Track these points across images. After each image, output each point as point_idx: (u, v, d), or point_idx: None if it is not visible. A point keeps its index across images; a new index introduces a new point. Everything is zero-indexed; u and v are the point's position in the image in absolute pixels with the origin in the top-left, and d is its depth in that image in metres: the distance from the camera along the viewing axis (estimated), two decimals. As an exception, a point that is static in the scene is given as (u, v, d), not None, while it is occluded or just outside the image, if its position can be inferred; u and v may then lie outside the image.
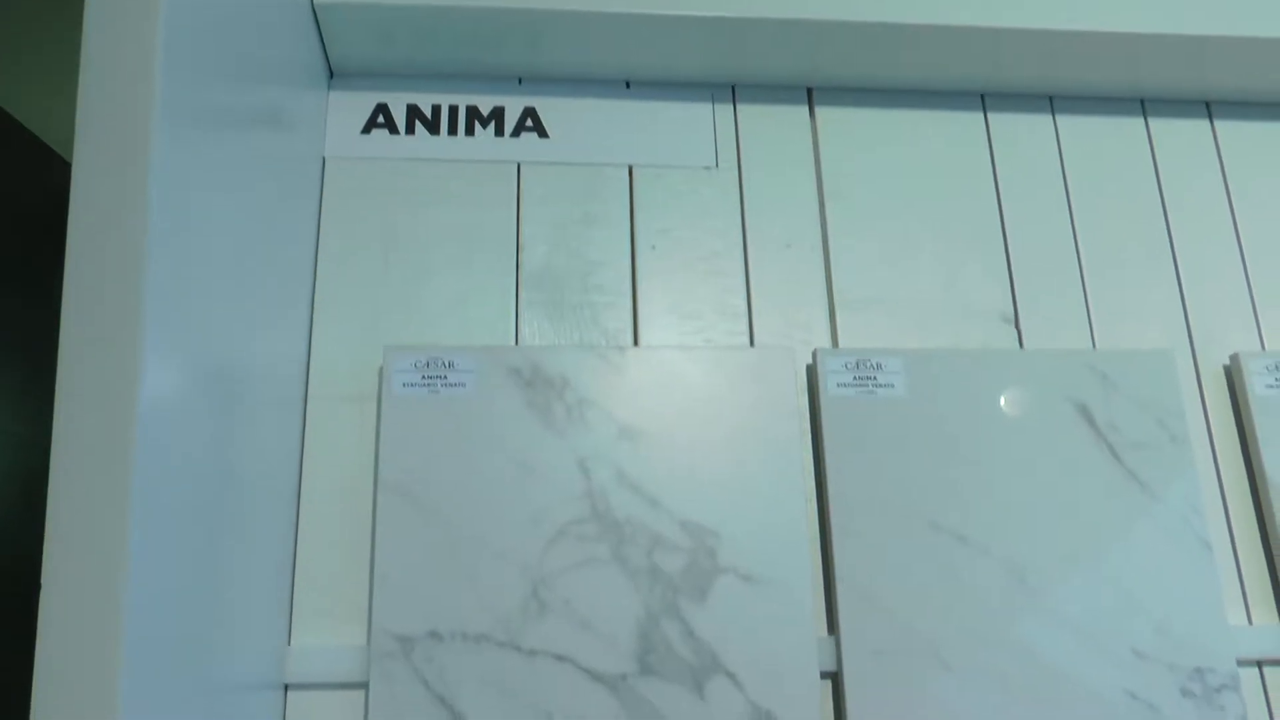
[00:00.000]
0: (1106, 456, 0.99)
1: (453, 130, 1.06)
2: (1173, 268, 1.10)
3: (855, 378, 0.98)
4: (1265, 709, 0.97)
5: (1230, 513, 1.02)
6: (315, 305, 0.98)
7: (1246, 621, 0.99)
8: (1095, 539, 0.97)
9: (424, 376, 0.93)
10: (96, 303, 0.58)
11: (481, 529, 0.90)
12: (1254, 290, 1.10)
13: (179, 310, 0.63)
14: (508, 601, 0.89)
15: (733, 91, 1.11)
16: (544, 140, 1.07)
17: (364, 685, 0.89)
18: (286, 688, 0.89)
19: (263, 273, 0.83)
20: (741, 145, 1.09)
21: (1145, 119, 1.15)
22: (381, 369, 0.95)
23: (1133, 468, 0.99)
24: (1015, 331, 1.05)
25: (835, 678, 0.92)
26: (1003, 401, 0.99)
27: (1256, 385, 1.04)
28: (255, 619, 0.82)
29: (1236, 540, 1.01)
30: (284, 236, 0.90)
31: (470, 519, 0.91)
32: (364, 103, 1.06)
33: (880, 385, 0.98)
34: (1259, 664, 0.98)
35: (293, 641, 0.90)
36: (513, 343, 0.99)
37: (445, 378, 0.93)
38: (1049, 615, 0.94)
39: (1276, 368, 1.04)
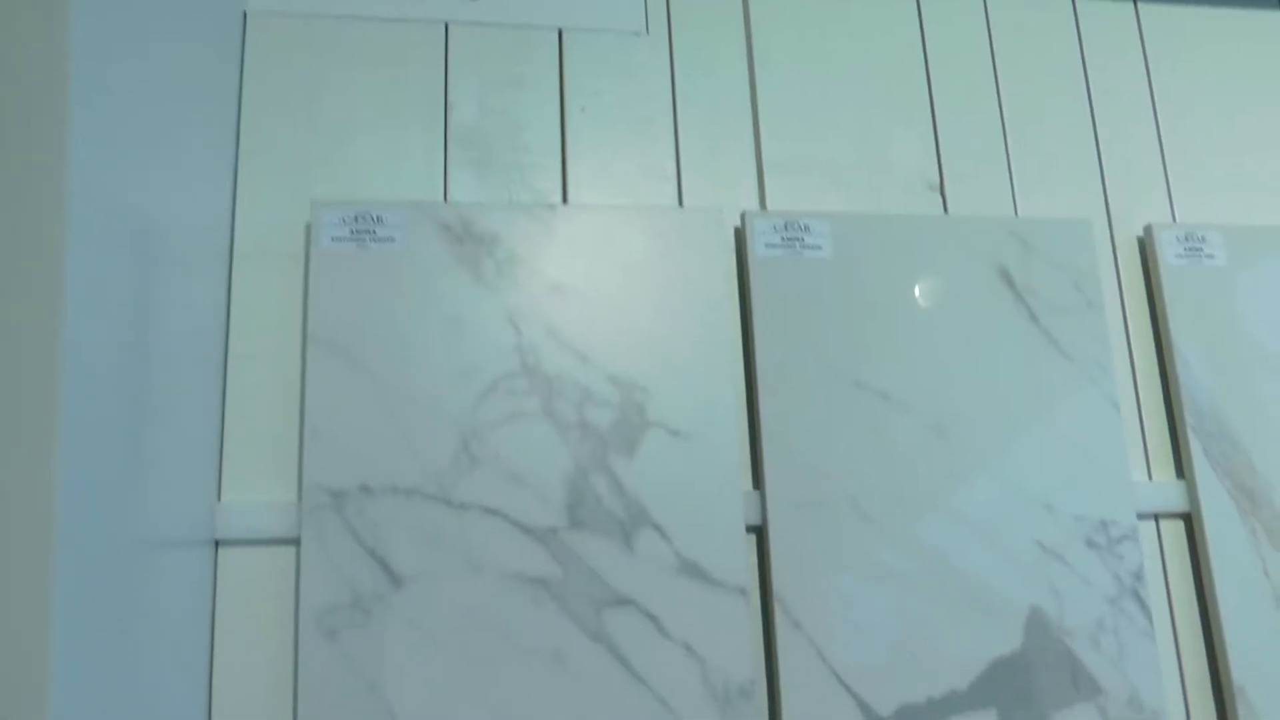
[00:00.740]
0: (1025, 319, 1.02)
1: (378, -15, 1.03)
2: (1093, 142, 1.12)
3: (783, 239, 0.99)
4: (1159, 558, 1.02)
5: (1137, 375, 1.06)
6: (240, 161, 0.96)
7: (1147, 478, 1.04)
8: (1011, 397, 1.00)
9: (352, 231, 0.92)
10: (19, 161, 0.56)
11: (412, 383, 0.90)
12: (1168, 165, 1.13)
13: (101, 169, 0.62)
14: (438, 455, 0.90)
15: (664, -46, 1.10)
16: (472, 1, 1.05)
17: (295, 541, 0.89)
18: (217, 544, 0.89)
19: (185, 129, 0.81)
20: (672, 9, 1.08)
21: (1072, -2, 1.17)
22: (309, 224, 0.94)
23: (1049, 330, 1.02)
24: (940, 198, 1.07)
25: (760, 531, 0.95)
26: (926, 265, 1.01)
27: (1168, 255, 1.07)
28: (185, 476, 0.82)
29: (1142, 402, 1.05)
30: (206, 92, 0.88)
31: (400, 374, 0.90)
32: (285, -47, 1.03)
33: (807, 247, 1.00)
34: (1156, 517, 1.03)
35: (223, 497, 0.90)
36: (442, 200, 0.98)
37: (374, 233, 0.93)
38: (966, 469, 0.97)
39: (1187, 239, 1.08)
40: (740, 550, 0.92)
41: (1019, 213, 1.08)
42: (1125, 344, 1.06)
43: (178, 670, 0.80)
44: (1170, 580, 1.01)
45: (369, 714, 0.85)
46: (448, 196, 0.98)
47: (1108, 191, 1.11)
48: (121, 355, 0.66)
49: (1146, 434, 1.05)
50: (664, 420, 0.93)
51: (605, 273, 0.95)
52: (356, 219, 0.93)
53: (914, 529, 0.96)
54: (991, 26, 1.14)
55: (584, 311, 0.94)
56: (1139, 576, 0.98)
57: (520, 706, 0.87)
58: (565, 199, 1.00)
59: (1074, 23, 1.16)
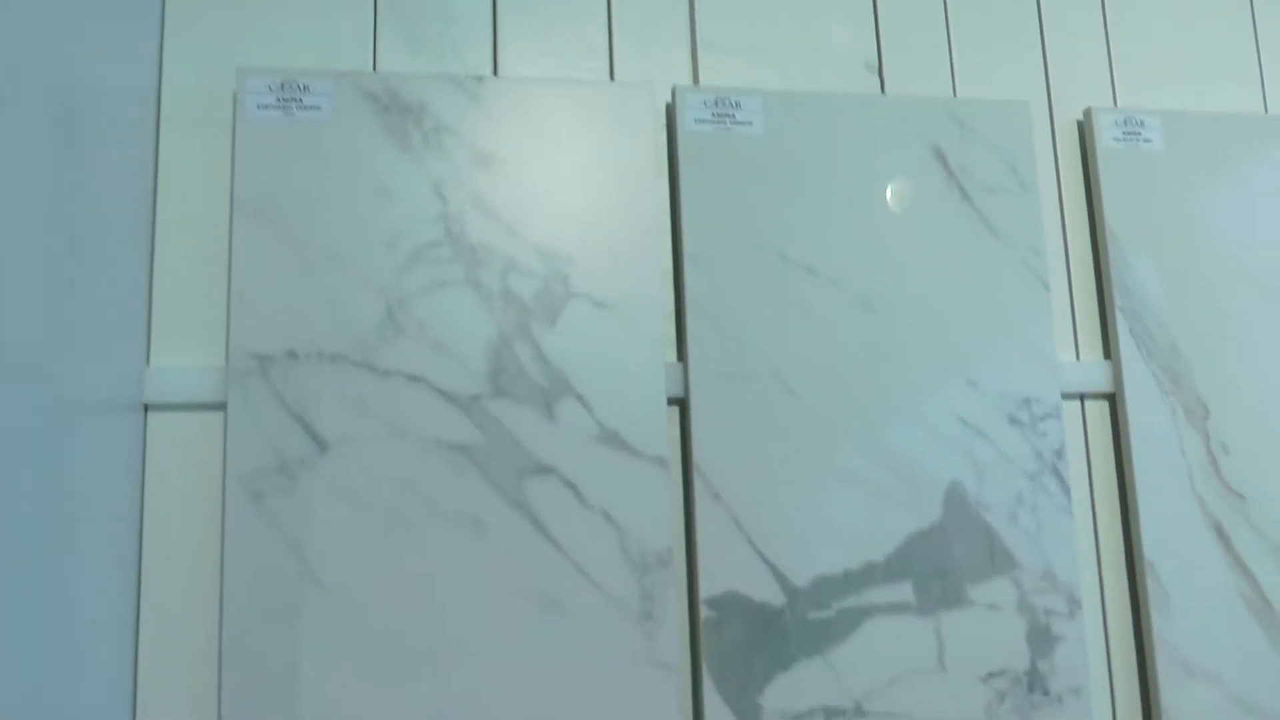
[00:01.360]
0: (957, 198, 1.02)
1: None
2: (1037, 24, 1.11)
3: (714, 115, 0.99)
4: (1083, 436, 1.03)
5: (1070, 257, 1.06)
6: (166, 27, 0.95)
7: (1075, 358, 1.05)
8: (940, 275, 1.00)
9: (279, 99, 0.92)
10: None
11: (338, 251, 0.91)
12: (1112, 49, 1.12)
13: (22, 32, 0.61)
14: (363, 323, 0.91)
15: None
16: None
17: (223, 406, 0.90)
18: (146, 408, 0.90)
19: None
20: (611, -119, 1.06)
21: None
22: (235, 92, 0.93)
23: (982, 210, 1.02)
24: (878, 79, 1.06)
25: (683, 403, 0.96)
26: (859, 144, 1.01)
27: (1106, 138, 1.07)
28: (113, 341, 0.83)
29: (1074, 283, 1.06)
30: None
31: (327, 241, 0.91)
32: None
33: (738, 123, 0.99)
34: (1081, 397, 1.04)
35: (151, 361, 0.91)
36: (371, 70, 0.98)
37: (300, 100, 0.92)
38: (891, 345, 0.98)
39: (1125, 122, 1.07)
40: (661, 421, 0.93)
41: (958, 94, 1.08)
42: (1060, 226, 1.07)
43: (107, 535, 0.82)
44: (1092, 458, 1.03)
45: (294, 577, 0.87)
46: (376, 66, 0.98)
47: (1049, 74, 1.10)
48: (44, 220, 0.66)
49: (1077, 315, 1.06)
50: (588, 292, 0.94)
51: (534, 146, 0.95)
52: (283, 87, 0.92)
53: (837, 403, 0.97)
54: (942, -94, 1.12)
55: (511, 183, 0.94)
56: (1060, 454, 1.00)
57: (441, 572, 0.89)
58: (495, 71, 1.00)
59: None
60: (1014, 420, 0.99)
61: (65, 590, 0.72)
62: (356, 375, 0.90)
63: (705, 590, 0.93)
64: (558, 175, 0.95)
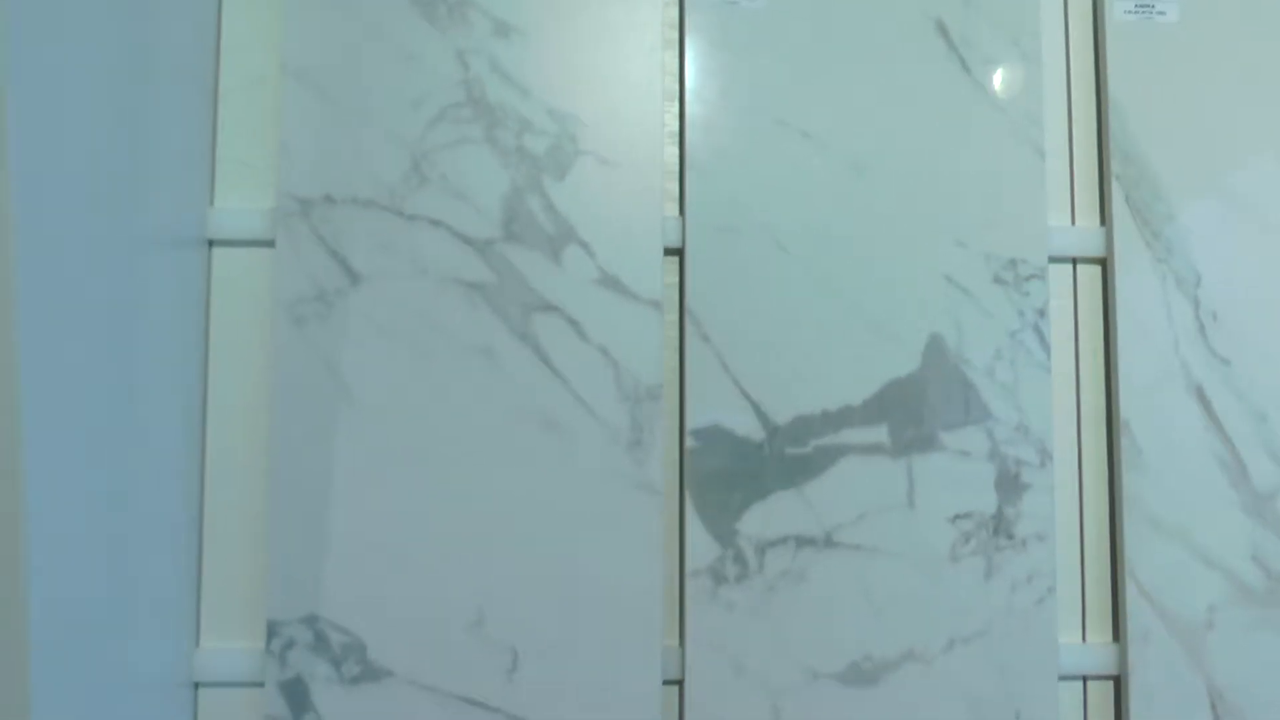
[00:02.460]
0: (957, 68, 1.07)
1: None
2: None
3: (719, -13, 1.06)
4: (1072, 298, 1.08)
5: (1074, 128, 1.10)
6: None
7: (1070, 222, 1.09)
8: (934, 142, 1.06)
9: (323, -27, 1.04)
10: None
11: (371, 110, 1.03)
12: (1142, -80, 1.13)
13: None
14: (392, 173, 1.03)
15: None
16: None
17: (272, 242, 1.04)
18: (210, 243, 1.05)
19: None
20: None
21: None
22: (289, -34, 1.06)
23: (980, 79, 1.07)
24: (887, -49, 1.10)
25: (679, 253, 1.05)
26: (861, 14, 1.06)
27: (1116, 11, 1.09)
28: (182, 183, 0.99)
29: (1075, 152, 1.09)
30: None
31: (362, 101, 1.03)
32: None
33: (743, -6, 1.06)
34: (1074, 260, 1.08)
35: (215, 203, 1.05)
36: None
37: (338, -27, 1.04)
38: (881, 206, 1.05)
39: (1143, -6, 1.09)
40: (657, 268, 1.03)
41: (967, -34, 1.11)
42: (1065, 97, 1.10)
43: (177, 352, 0.98)
44: (1080, 319, 1.08)
45: (329, 392, 1.01)
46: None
47: (1062, -54, 1.12)
48: (127, 79, 0.81)
49: (1075, 183, 1.09)
50: (595, 150, 1.04)
51: (549, 16, 1.05)
52: (329, -38, 1.04)
53: (825, 258, 1.04)
54: None
55: (527, 50, 1.04)
56: (1043, 313, 1.05)
57: (456, 393, 1.02)
58: (518, -56, 1.08)
59: None
60: (999, 280, 1.05)
61: (142, 398, 0.88)
62: (385, 218, 1.02)
63: (691, 422, 1.03)
64: (571, 44, 1.04)
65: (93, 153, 0.77)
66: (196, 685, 1.03)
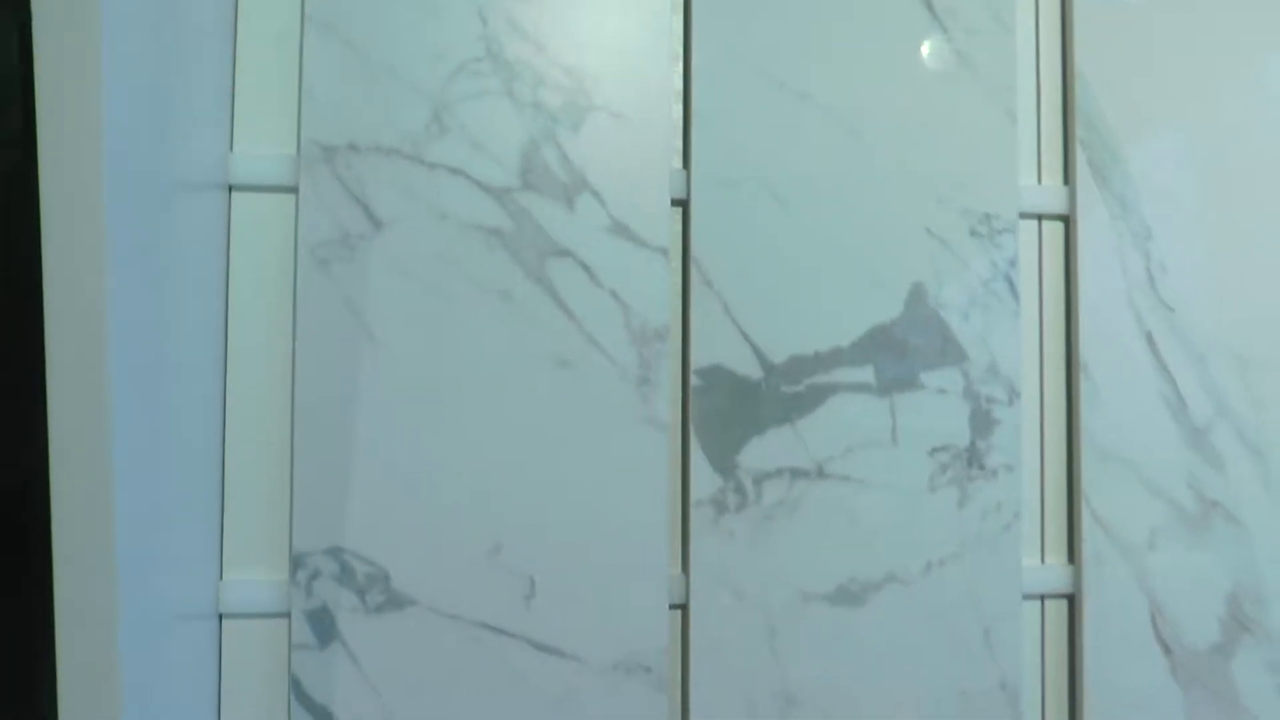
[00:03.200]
0: (940, 37, 1.16)
1: None
2: None
3: (724, -49, 1.13)
4: (1038, 251, 1.18)
5: (1042, 93, 1.20)
6: None
7: (1037, 181, 1.19)
8: (918, 106, 1.15)
9: (344, -74, 1.07)
10: None
11: (393, 62, 1.07)
12: (1102, -96, 1.23)
13: None
14: (413, 122, 1.07)
15: None
16: None
17: (294, 189, 1.08)
18: (231, 188, 1.08)
19: None
20: None
21: None
22: (307, -82, 1.09)
23: (960, 48, 1.16)
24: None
25: (684, 204, 1.12)
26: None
27: (1083, -14, 1.19)
28: (204, 128, 1.01)
29: (1043, 117, 1.19)
30: None
31: (384, 53, 1.07)
32: None
33: (745, -39, 1.13)
34: (1039, 217, 1.18)
35: (234, 149, 1.08)
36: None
37: (361, -73, 1.07)
38: (871, 163, 1.14)
39: (1104, -28, 1.19)
40: (664, 218, 1.10)
41: (949, -59, 1.20)
42: (1035, 65, 1.19)
43: (200, 293, 1.01)
44: (1044, 270, 1.18)
45: (352, 332, 1.06)
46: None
47: (1037, -77, 1.21)
48: (153, 30, 0.83)
49: (1043, 145, 1.19)
50: (607, 105, 1.10)
51: (564, -27, 1.10)
52: (349, -85, 1.07)
53: (820, 211, 1.13)
54: None
55: (543, 9, 1.09)
56: (1013, 264, 1.15)
57: (474, 333, 1.07)
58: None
59: None
60: (974, 233, 1.14)
61: (165, 336, 0.90)
62: (407, 166, 1.07)
63: (695, 362, 1.10)
64: (584, 5, 1.10)
65: (121, 96, 0.77)
66: (221, 617, 1.07)
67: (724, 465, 1.10)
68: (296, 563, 1.04)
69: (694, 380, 1.10)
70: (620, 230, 1.09)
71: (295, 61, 1.08)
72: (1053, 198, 1.18)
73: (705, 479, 1.10)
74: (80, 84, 0.70)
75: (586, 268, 1.08)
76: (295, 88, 1.08)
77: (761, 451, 1.11)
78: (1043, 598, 1.17)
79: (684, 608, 1.11)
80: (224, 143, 1.07)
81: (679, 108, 1.13)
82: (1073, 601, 1.17)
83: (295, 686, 1.04)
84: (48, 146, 0.70)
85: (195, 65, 0.97)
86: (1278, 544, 1.18)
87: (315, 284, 1.05)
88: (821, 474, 1.12)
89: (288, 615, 1.06)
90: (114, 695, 0.77)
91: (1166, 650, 1.16)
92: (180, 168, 0.93)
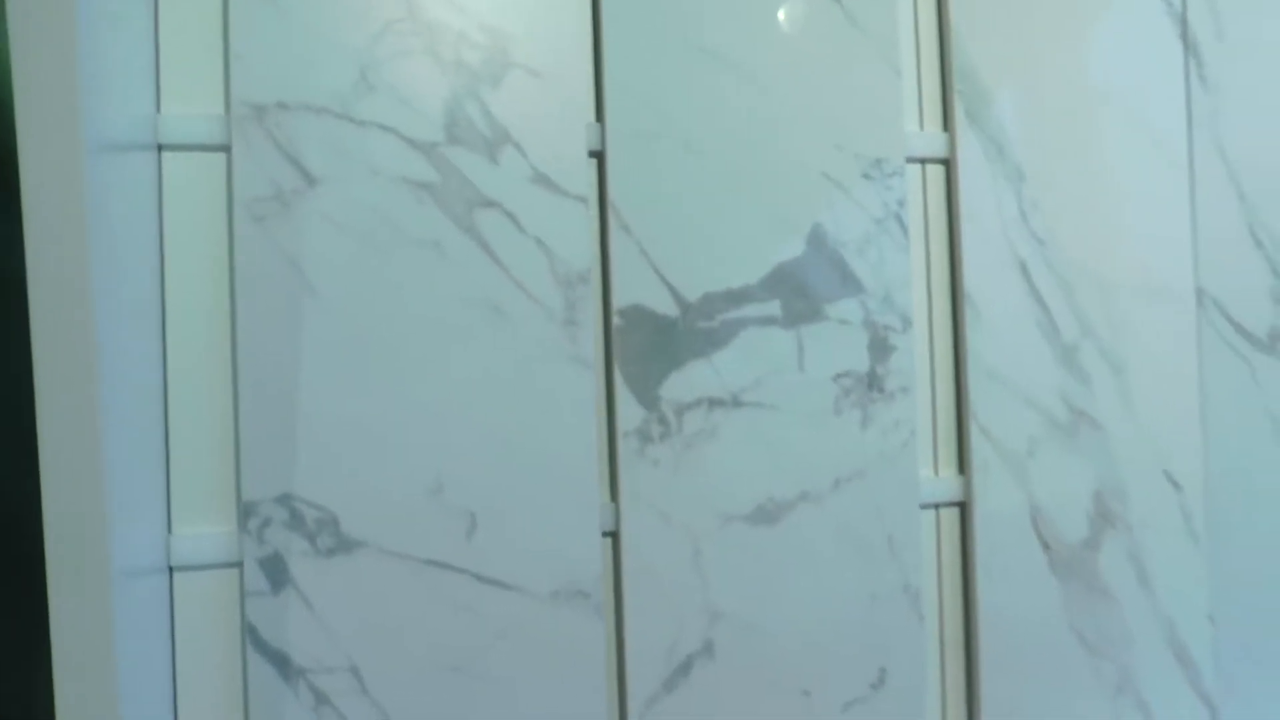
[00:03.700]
0: (832, 1, 1.25)
1: None
2: None
3: (629, -85, 1.19)
4: (923, 192, 1.30)
5: (921, 48, 1.30)
6: None
7: (919, 128, 1.30)
8: (814, 62, 1.24)
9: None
10: None
11: (320, 22, 1.11)
12: None
13: None
14: (342, 81, 1.12)
15: None
16: None
17: (226, 147, 1.11)
18: (160, 148, 1.11)
19: None
20: None
21: None
22: (225, -117, 1.11)
23: (849, 9, 1.26)
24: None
25: (600, 156, 1.19)
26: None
27: (954, -54, 1.30)
28: (128, 89, 1.01)
29: (923, 69, 1.30)
30: None
31: (310, 13, 1.11)
32: None
33: (650, -76, 1.20)
34: (923, 161, 1.30)
35: (161, 109, 1.11)
36: None
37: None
38: (773, 115, 1.22)
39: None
40: (583, 168, 1.17)
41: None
42: (914, 25, 1.30)
43: (136, 251, 1.02)
44: (929, 209, 1.30)
45: (292, 284, 1.10)
46: None
47: (913, -110, 1.31)
48: None
49: (924, 96, 1.30)
50: (525, 62, 1.16)
51: (479, -63, 1.15)
52: (266, -121, 1.11)
53: (727, 160, 1.21)
54: None
55: (461, -31, 1.15)
56: (902, 204, 1.26)
57: (409, 283, 1.13)
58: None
59: None
60: (866, 176, 1.25)
61: (104, 301, 0.90)
62: (337, 124, 1.12)
63: (617, 303, 1.18)
64: (500, -36, 1.15)
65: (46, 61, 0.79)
66: (172, 570, 1.10)
67: (647, 398, 1.19)
68: (247, 511, 1.08)
69: (616, 320, 1.18)
70: (542, 181, 1.16)
71: (219, 22, 1.11)
72: (934, 143, 1.29)
73: (630, 412, 1.18)
74: None
75: (512, 217, 1.15)
76: (220, 48, 1.11)
77: (681, 384, 1.20)
78: (938, 506, 1.30)
79: (615, 535, 1.19)
80: (151, 103, 1.10)
81: (592, 62, 1.19)
82: (964, 508, 1.30)
83: (251, 633, 1.08)
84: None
85: (117, 26, 0.99)
86: (1134, 447, 1.33)
87: (252, 240, 1.09)
88: (737, 403, 1.21)
89: (239, 564, 1.10)
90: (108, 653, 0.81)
91: (1045, 546, 1.29)
92: (107, 128, 0.94)
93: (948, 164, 1.29)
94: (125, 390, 0.96)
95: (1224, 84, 1.37)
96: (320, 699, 1.09)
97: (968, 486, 1.28)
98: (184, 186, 1.11)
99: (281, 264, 1.09)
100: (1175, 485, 1.33)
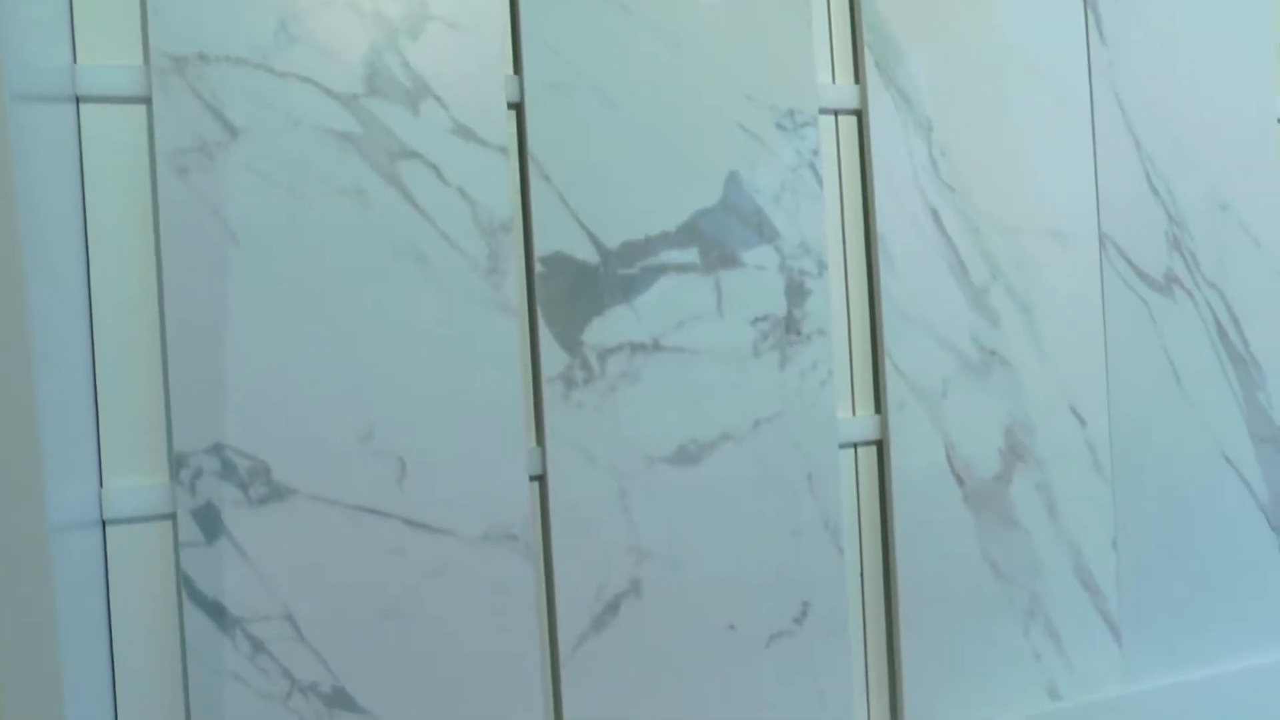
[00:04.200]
0: (739, -50, 1.29)
1: None
2: None
3: None
4: (835, 142, 1.34)
5: (832, 3, 1.34)
6: None
7: (831, 80, 1.35)
8: (727, 15, 1.28)
9: None
10: None
11: (235, -25, 1.12)
12: None
13: None
14: (261, 33, 1.13)
15: None
16: None
17: (146, 99, 1.12)
18: (78, 99, 1.11)
19: None
20: None
21: None
22: None
23: (759, -40, 1.29)
24: None
25: (519, 108, 1.22)
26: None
27: (861, -96, 1.34)
28: (41, 40, 1.02)
29: (834, 23, 1.35)
30: None
31: (225, -33, 1.12)
32: None
33: (564, -121, 1.23)
34: (836, 112, 1.34)
35: (78, 59, 1.11)
36: None
37: None
38: (687, 69, 1.26)
39: (880, -108, 1.34)
40: (502, 119, 1.20)
41: None
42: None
43: (58, 205, 1.02)
44: (842, 158, 1.34)
45: (217, 235, 1.12)
46: None
47: None
48: None
49: (835, 49, 1.35)
50: (443, 15, 1.18)
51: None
52: None
53: (643, 110, 1.24)
54: None
55: (377, -78, 1.16)
56: (816, 153, 1.30)
57: (334, 233, 1.15)
58: None
59: None
60: (780, 126, 1.29)
61: (27, 255, 0.90)
62: (257, 75, 1.13)
63: (539, 251, 1.21)
64: (416, -83, 1.18)
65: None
66: (105, 523, 1.11)
67: (570, 343, 1.22)
68: (179, 462, 1.10)
69: (538, 267, 1.21)
70: (462, 132, 1.18)
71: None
72: (846, 95, 1.33)
73: (554, 357, 1.21)
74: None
75: (434, 167, 1.17)
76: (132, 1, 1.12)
77: (603, 329, 1.23)
78: (855, 445, 1.35)
79: (542, 478, 1.22)
80: (67, 54, 1.10)
81: (510, 18, 1.22)
82: (881, 446, 1.35)
83: (186, 584, 1.10)
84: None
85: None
86: (1041, 383, 1.39)
87: (176, 192, 1.10)
88: (658, 346, 1.25)
89: (172, 516, 1.11)
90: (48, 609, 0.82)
91: (960, 482, 1.35)
92: (26, 76, 0.94)
93: (859, 115, 1.34)
94: (54, 345, 0.97)
95: (1121, 39, 1.43)
96: (257, 647, 1.11)
97: (884, 425, 1.32)
98: (104, 138, 1.11)
99: (206, 215, 1.10)
100: (1080, 420, 1.39)
